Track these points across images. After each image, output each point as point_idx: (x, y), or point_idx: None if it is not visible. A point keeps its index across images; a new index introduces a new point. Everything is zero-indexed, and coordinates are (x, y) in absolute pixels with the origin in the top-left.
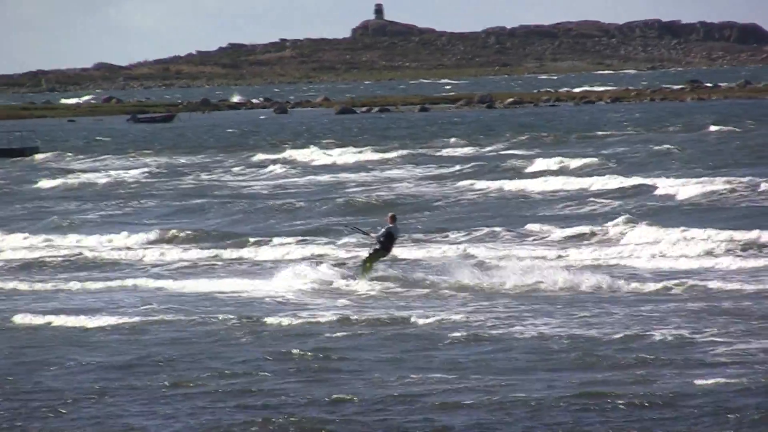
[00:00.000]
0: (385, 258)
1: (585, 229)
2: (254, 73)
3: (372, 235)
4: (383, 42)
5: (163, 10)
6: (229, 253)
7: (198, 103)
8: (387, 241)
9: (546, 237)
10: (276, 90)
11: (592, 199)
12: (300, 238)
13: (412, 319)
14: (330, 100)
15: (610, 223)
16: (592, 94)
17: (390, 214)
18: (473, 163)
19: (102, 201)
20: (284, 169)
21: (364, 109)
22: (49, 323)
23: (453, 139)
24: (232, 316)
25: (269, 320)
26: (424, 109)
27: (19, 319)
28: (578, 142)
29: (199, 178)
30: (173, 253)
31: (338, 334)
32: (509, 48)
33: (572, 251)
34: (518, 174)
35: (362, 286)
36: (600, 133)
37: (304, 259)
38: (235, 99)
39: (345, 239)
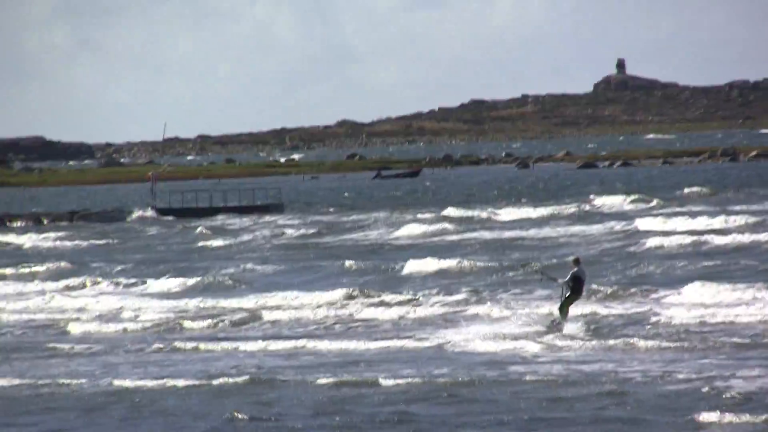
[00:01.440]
0: (577, 300)
1: None
2: (496, 128)
3: (560, 280)
4: (625, 96)
5: (404, 66)
6: None
7: (441, 159)
8: (576, 285)
9: None
10: (516, 146)
11: None
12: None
13: None
14: (571, 155)
15: None
16: None
17: (573, 258)
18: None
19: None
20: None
21: (606, 163)
22: None
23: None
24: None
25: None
26: (667, 162)
27: None
28: None
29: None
30: None
31: None
32: (753, 101)
33: None
34: None
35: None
36: None
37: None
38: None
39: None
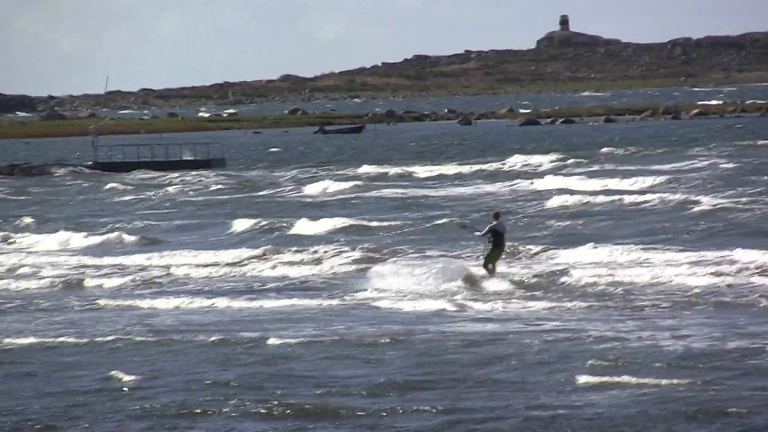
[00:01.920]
0: (501, 254)
1: None
2: (439, 84)
3: (477, 233)
4: (568, 53)
5: (348, 21)
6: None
7: (383, 114)
8: (496, 239)
9: None
10: (457, 101)
11: None
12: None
13: None
14: (514, 112)
15: None
16: None
17: (494, 212)
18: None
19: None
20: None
21: (548, 120)
22: None
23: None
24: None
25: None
26: (609, 120)
27: None
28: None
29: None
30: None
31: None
32: (695, 59)
33: None
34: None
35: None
36: None
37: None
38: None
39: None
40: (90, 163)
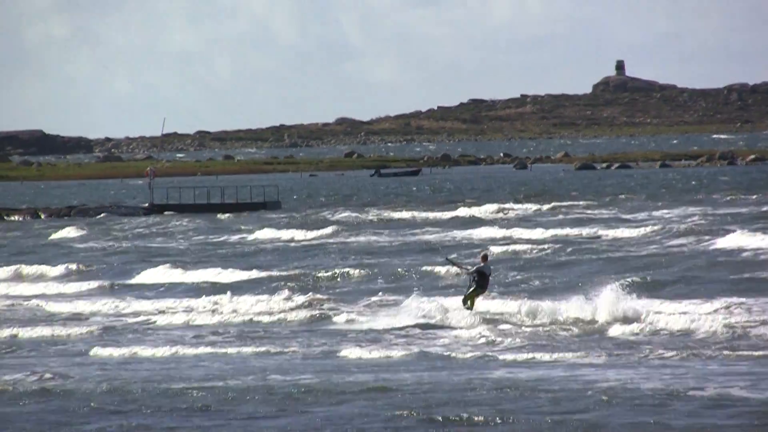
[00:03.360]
0: (482, 294)
1: None
2: (494, 128)
3: (464, 270)
4: (624, 98)
5: (403, 65)
6: None
7: (439, 158)
8: (481, 279)
9: None
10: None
11: None
12: None
13: None
14: (570, 156)
15: None
16: None
17: (482, 254)
18: None
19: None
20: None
21: (604, 165)
22: None
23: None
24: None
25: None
26: (665, 165)
27: None
28: None
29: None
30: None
31: None
32: (751, 105)
33: None
34: None
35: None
36: None
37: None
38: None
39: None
40: (146, 205)
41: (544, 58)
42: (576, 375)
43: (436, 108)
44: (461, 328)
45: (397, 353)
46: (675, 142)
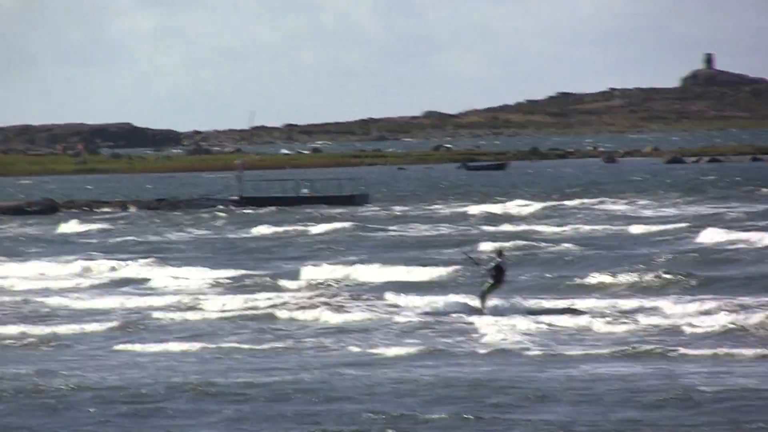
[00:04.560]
0: (498, 289)
1: None
2: (582, 122)
3: (482, 267)
4: (713, 91)
5: (491, 59)
6: None
7: (527, 151)
8: (498, 274)
9: None
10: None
11: None
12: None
13: None
14: (659, 150)
15: None
16: None
17: (497, 249)
18: None
19: None
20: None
21: (693, 159)
22: None
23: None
24: None
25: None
26: (756, 159)
27: None
28: None
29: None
30: None
31: None
32: None
33: None
34: None
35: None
36: None
37: None
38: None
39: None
40: (236, 197)
41: (632, 51)
42: None
43: (523, 101)
44: None
45: None
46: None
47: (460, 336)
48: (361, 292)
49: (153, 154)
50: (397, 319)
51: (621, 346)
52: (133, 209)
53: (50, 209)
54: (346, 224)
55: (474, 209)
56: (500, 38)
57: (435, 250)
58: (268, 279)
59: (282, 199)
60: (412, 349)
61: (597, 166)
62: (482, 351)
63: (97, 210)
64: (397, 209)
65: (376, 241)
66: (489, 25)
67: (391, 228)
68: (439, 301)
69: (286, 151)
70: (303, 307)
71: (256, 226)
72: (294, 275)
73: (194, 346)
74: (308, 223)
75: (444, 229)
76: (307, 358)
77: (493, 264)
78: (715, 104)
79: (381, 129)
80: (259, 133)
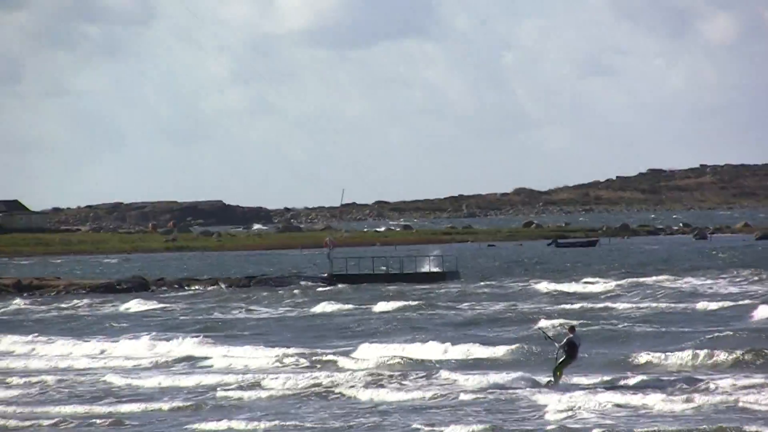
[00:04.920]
0: (571, 364)
1: None
2: (674, 198)
3: (556, 343)
4: None
5: (581, 135)
6: None
7: (617, 228)
8: (570, 350)
9: None
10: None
11: None
12: None
13: None
14: (750, 226)
15: None
16: None
17: (569, 326)
18: None
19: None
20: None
21: None
22: None
23: None
24: None
25: None
26: None
27: None
28: None
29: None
30: None
31: None
32: None
33: None
34: None
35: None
36: None
37: None
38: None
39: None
40: (326, 274)
41: (722, 127)
42: None
43: (614, 178)
44: None
45: None
46: None
47: (526, 412)
48: (422, 369)
49: (243, 232)
50: (463, 397)
51: (685, 424)
52: (223, 287)
53: (140, 287)
54: (414, 302)
55: (549, 286)
56: (591, 114)
57: (501, 328)
58: (331, 356)
59: (372, 276)
60: (476, 427)
61: (688, 242)
62: (549, 428)
63: (188, 287)
64: (472, 286)
65: (444, 320)
66: (579, 101)
67: (462, 305)
68: (504, 377)
69: (377, 229)
70: (366, 385)
71: (320, 302)
72: (356, 352)
73: (260, 425)
74: (380, 301)
75: (515, 305)
76: None
77: (566, 340)
78: None
79: (471, 206)
80: (349, 210)
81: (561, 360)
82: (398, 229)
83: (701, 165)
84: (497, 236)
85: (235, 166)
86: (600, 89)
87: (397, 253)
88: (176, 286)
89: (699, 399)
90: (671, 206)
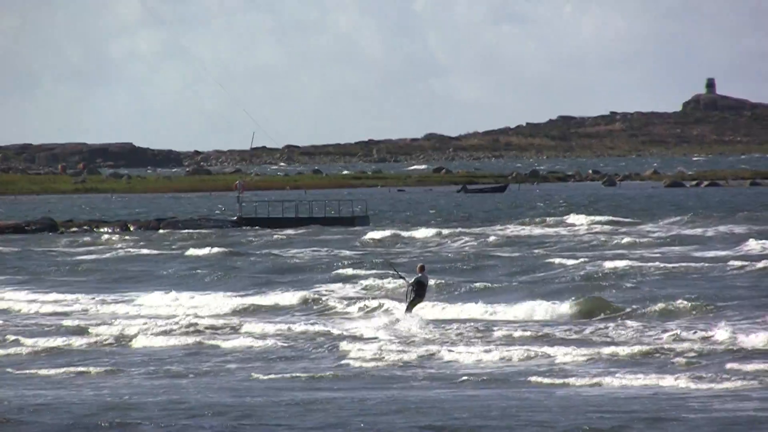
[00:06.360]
0: (420, 302)
1: None
2: (583, 145)
3: (406, 280)
4: (714, 116)
5: (492, 82)
6: None
7: (527, 174)
8: (419, 289)
9: None
10: (604, 163)
11: None
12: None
13: None
14: (659, 174)
15: None
16: None
17: (419, 265)
18: None
19: None
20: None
21: (693, 183)
22: None
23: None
24: None
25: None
26: (755, 184)
27: None
28: None
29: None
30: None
31: None
32: None
33: None
34: None
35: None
36: None
37: None
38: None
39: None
40: (235, 218)
41: (633, 76)
42: None
43: (524, 124)
44: None
45: None
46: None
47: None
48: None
49: (153, 174)
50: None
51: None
52: (132, 229)
53: (50, 228)
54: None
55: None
56: (501, 62)
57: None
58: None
59: (281, 221)
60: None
61: (597, 188)
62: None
63: (96, 230)
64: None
65: (252, 269)
66: (490, 49)
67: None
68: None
69: (286, 173)
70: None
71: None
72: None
73: None
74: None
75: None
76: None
77: (414, 279)
78: (715, 128)
79: (382, 151)
80: (259, 153)
81: (411, 299)
82: (308, 173)
83: (611, 112)
84: (407, 182)
85: (145, 109)
86: (511, 36)
87: (306, 197)
88: (86, 227)
89: None
90: (581, 153)
